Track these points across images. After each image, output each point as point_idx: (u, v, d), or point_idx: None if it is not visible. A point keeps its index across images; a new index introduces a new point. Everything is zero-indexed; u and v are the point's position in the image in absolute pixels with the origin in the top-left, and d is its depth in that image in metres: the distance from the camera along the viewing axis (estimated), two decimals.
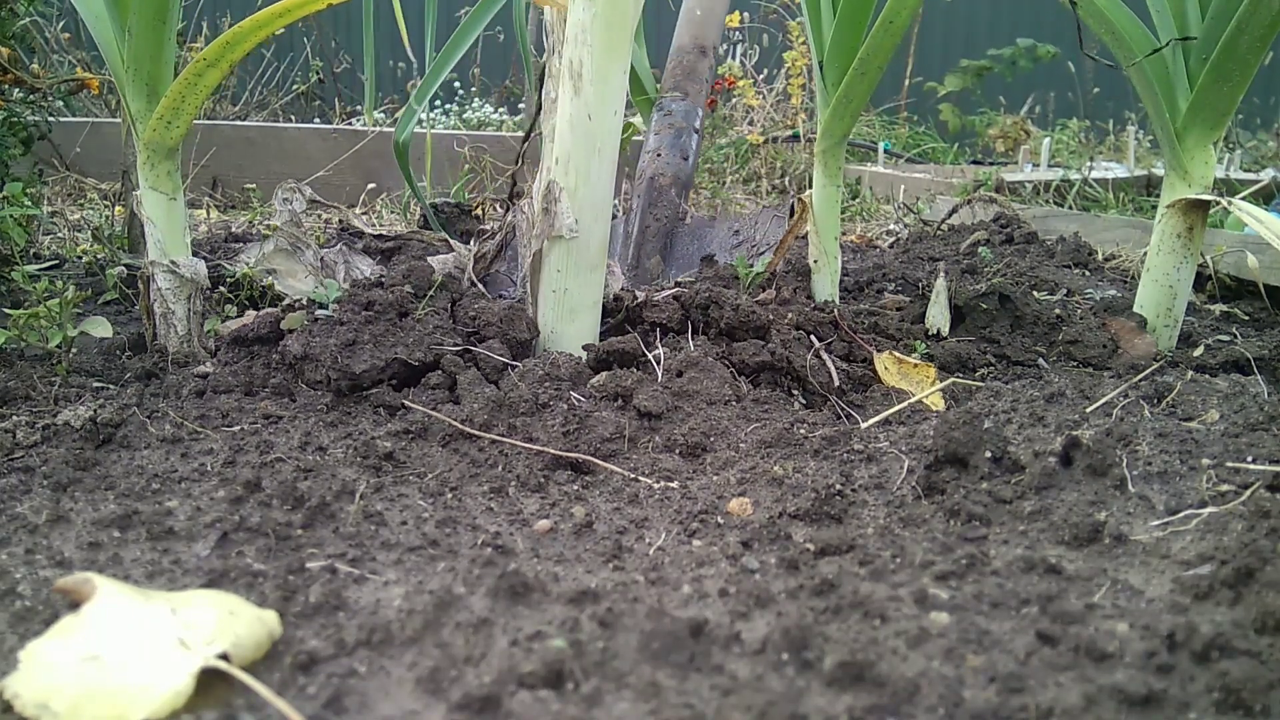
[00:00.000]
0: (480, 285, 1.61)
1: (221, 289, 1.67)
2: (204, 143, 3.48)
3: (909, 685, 0.68)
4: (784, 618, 0.77)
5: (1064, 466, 1.02)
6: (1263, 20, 1.32)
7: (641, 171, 2.18)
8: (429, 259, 1.61)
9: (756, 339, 1.44)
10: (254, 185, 3.13)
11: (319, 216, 2.90)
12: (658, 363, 1.34)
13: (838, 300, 1.76)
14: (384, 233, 1.99)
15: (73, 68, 4.21)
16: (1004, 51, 5.81)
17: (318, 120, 5.49)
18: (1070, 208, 3.42)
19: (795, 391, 1.40)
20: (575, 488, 1.08)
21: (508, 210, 1.77)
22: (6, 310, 1.42)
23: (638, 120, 2.94)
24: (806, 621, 0.75)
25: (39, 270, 2.03)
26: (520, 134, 2.24)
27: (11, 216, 1.63)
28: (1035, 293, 1.89)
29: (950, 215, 2.91)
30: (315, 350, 1.30)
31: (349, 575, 0.85)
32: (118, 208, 2.40)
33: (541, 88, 1.45)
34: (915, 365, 1.44)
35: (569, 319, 1.38)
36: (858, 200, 3.98)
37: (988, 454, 1.03)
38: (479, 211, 2.45)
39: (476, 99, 5.84)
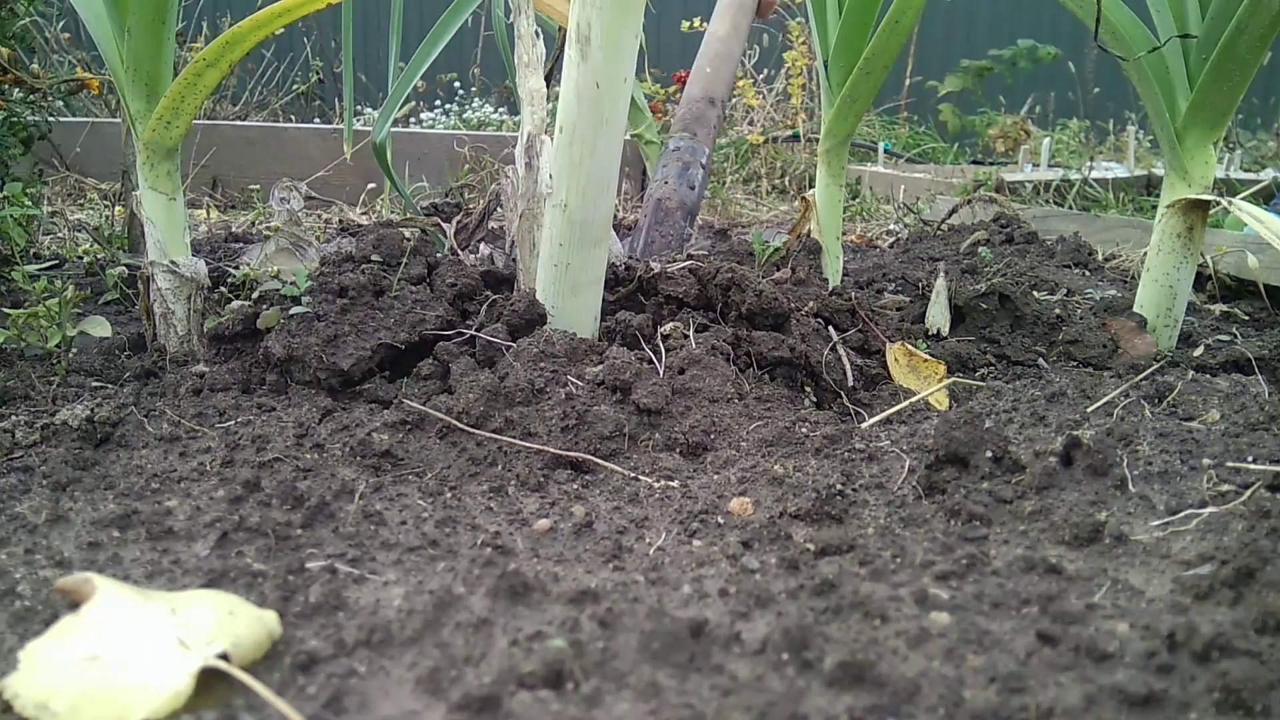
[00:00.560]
0: (461, 253, 1.59)
1: (222, 289, 1.67)
2: (204, 143, 3.48)
3: (909, 685, 0.68)
4: (784, 618, 0.77)
5: (1064, 466, 1.02)
6: (1263, 20, 1.32)
7: (650, 195, 2.27)
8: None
9: (776, 329, 1.42)
10: (256, 186, 3.13)
11: (319, 216, 2.90)
12: (659, 356, 1.32)
13: None
14: (389, 221, 1.99)
15: (73, 68, 4.21)
16: (1004, 52, 5.81)
17: (318, 120, 5.49)
18: (1070, 208, 3.42)
19: (808, 388, 1.39)
20: (575, 487, 1.07)
21: (448, 194, 1.77)
22: (6, 310, 1.42)
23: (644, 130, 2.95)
24: (806, 621, 0.75)
25: (39, 270, 2.03)
26: (513, 134, 2.25)
27: (11, 216, 1.63)
28: (1035, 293, 1.88)
29: (950, 215, 2.91)
30: (298, 351, 1.28)
31: (349, 575, 0.85)
32: (117, 208, 2.40)
33: (514, 50, 1.43)
34: (925, 360, 1.44)
35: (571, 294, 1.32)
36: (858, 200, 3.98)
37: (988, 454, 1.03)
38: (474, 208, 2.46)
39: (476, 99, 5.84)
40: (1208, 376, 1.38)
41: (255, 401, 1.26)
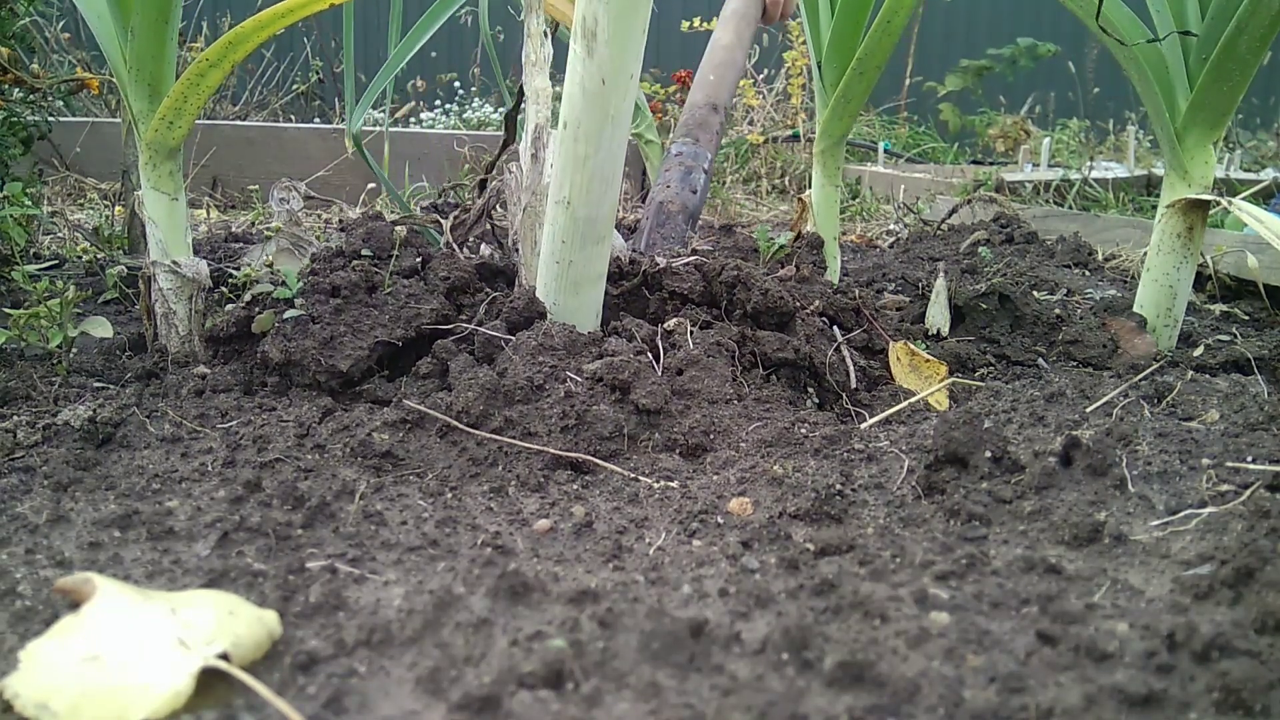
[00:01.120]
0: (456, 248, 1.59)
1: (223, 289, 1.67)
2: (204, 143, 3.48)
3: (909, 685, 0.68)
4: (784, 618, 0.77)
5: (1064, 466, 1.02)
6: (1263, 20, 1.32)
7: (652, 198, 2.28)
8: None
9: (780, 328, 1.41)
10: (256, 186, 3.14)
11: (319, 215, 2.90)
12: (658, 356, 1.31)
13: None
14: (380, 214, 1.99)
15: (73, 68, 4.21)
16: (1004, 51, 5.81)
17: (318, 120, 5.49)
18: (1070, 208, 3.42)
19: (810, 389, 1.39)
20: (575, 487, 1.08)
21: (483, 186, 1.76)
22: (7, 310, 1.42)
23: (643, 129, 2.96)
24: (806, 621, 0.75)
25: (39, 270, 2.03)
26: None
27: (11, 216, 1.63)
28: (1035, 293, 1.89)
29: (950, 215, 2.91)
30: (296, 354, 1.28)
31: (349, 575, 0.85)
32: (118, 208, 2.40)
33: (522, 49, 1.43)
34: (927, 360, 1.44)
35: (572, 292, 1.32)
36: (858, 200, 3.98)
37: (988, 454, 1.03)
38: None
39: (476, 99, 5.84)
40: (1207, 376, 1.38)
41: (256, 402, 1.26)
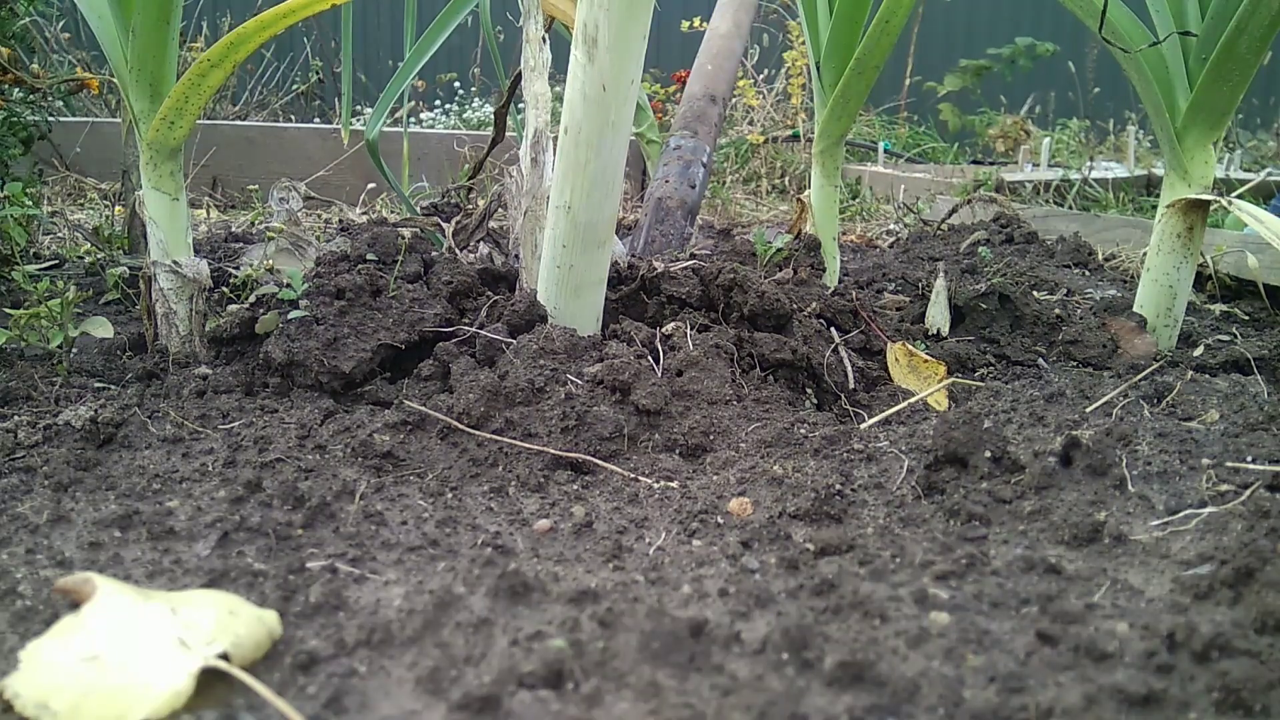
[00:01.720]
0: (459, 253, 1.60)
1: (223, 289, 1.67)
2: (204, 143, 3.48)
3: (909, 685, 0.68)
4: (784, 618, 0.77)
5: (1064, 466, 1.02)
6: (1262, 20, 1.32)
7: (650, 194, 2.27)
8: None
9: (778, 330, 1.42)
10: (256, 186, 3.14)
11: (319, 216, 2.90)
12: (658, 358, 1.32)
13: None
14: (384, 219, 1.99)
15: (73, 68, 4.22)
16: (1004, 50, 5.81)
17: (318, 120, 5.49)
18: (1070, 208, 3.42)
19: (809, 390, 1.39)
20: (575, 487, 1.08)
21: (468, 192, 1.76)
22: (7, 310, 1.42)
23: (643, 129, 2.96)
24: (806, 621, 0.75)
25: (39, 270, 2.03)
26: (515, 134, 2.25)
27: (11, 216, 1.63)
28: (1035, 293, 1.89)
29: (950, 215, 2.91)
30: (299, 355, 1.28)
31: (349, 575, 0.85)
32: (118, 208, 2.40)
33: (521, 56, 1.44)
34: (926, 361, 1.44)
35: (573, 296, 1.32)
36: (858, 200, 3.98)
37: (988, 454, 1.03)
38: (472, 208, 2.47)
39: (476, 99, 5.84)
40: (1207, 376, 1.38)
41: (258, 403, 1.26)
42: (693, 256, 1.64)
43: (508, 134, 2.15)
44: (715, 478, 1.10)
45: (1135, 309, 1.59)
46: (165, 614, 0.71)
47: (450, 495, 1.04)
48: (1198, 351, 1.52)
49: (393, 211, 3.22)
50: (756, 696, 0.66)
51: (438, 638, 0.74)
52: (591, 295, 1.34)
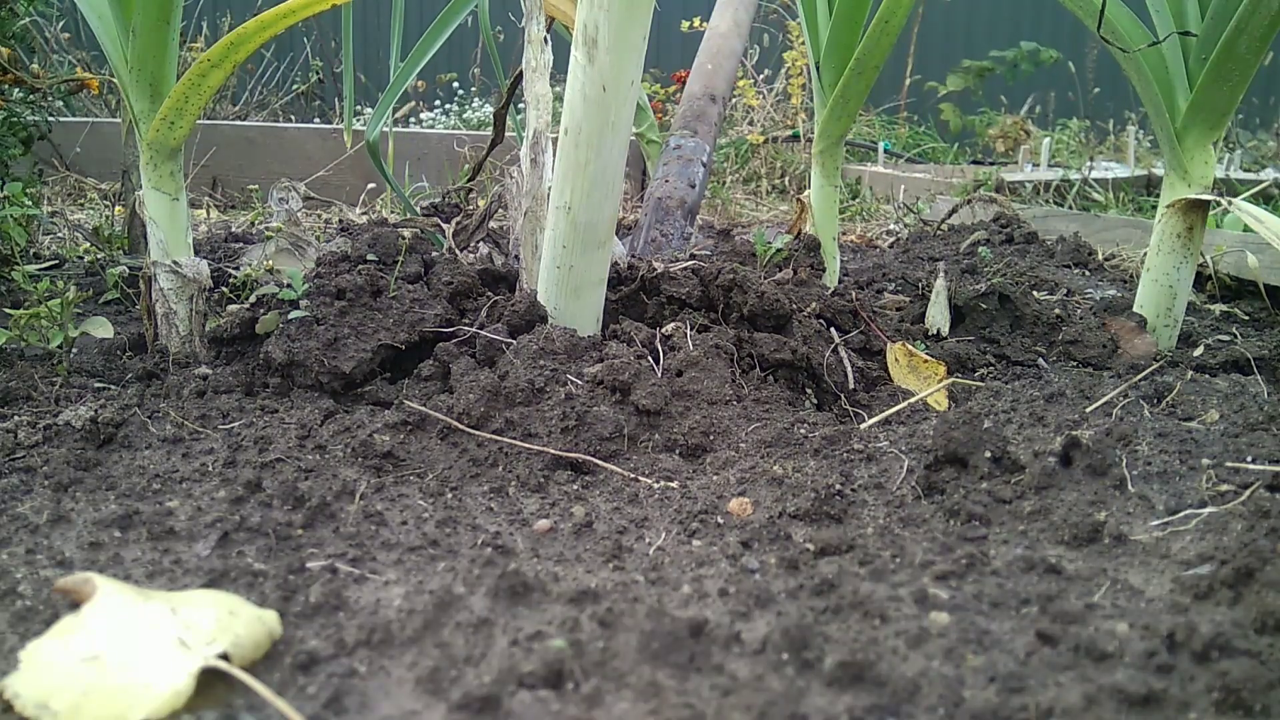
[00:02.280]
0: (459, 253, 1.60)
1: (223, 289, 1.67)
2: (204, 143, 3.48)
3: (909, 685, 0.68)
4: (784, 618, 0.77)
5: (1064, 466, 1.02)
6: (1262, 20, 1.32)
7: (650, 194, 2.27)
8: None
9: (777, 330, 1.42)
10: (256, 186, 3.14)
11: (319, 216, 2.90)
12: (658, 358, 1.32)
13: None
14: (384, 219, 1.99)
15: (73, 68, 4.22)
16: (1006, 54, 5.81)
17: (318, 120, 5.49)
18: (1070, 208, 3.42)
19: (809, 390, 1.39)
20: (575, 487, 1.08)
21: (468, 193, 1.76)
22: (7, 310, 1.42)
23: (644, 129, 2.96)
24: (806, 621, 0.75)
25: (39, 270, 2.03)
26: (515, 134, 2.25)
27: (11, 216, 1.63)
28: (1035, 293, 1.89)
29: (950, 215, 2.91)
30: (299, 355, 1.28)
31: (349, 575, 0.85)
32: (118, 208, 2.40)
33: (522, 57, 1.44)
34: (925, 361, 1.44)
35: (573, 296, 1.32)
36: (858, 200, 3.98)
37: (988, 454, 1.03)
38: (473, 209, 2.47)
39: (476, 99, 5.84)
40: (1207, 376, 1.38)
41: (258, 404, 1.26)
42: (692, 257, 1.64)
43: (508, 135, 2.15)
44: (715, 478, 1.10)
45: (1135, 309, 1.59)
46: (165, 614, 0.71)
47: (450, 495, 1.04)
48: (1198, 351, 1.52)
49: (393, 212, 3.22)
50: (756, 696, 0.66)
51: (438, 638, 0.74)
52: (591, 296, 1.34)
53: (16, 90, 2.12)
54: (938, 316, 1.64)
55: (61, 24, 4.78)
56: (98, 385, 1.33)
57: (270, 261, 1.66)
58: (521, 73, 1.45)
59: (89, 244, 2.13)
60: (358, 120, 4.52)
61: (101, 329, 1.34)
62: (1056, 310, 1.68)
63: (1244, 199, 1.46)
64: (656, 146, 3.27)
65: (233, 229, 2.59)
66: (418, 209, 2.02)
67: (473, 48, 6.12)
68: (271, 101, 5.33)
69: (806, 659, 0.71)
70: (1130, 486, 0.98)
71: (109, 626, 0.70)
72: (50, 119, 2.28)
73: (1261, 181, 3.47)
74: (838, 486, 1.03)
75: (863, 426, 1.25)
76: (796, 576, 0.85)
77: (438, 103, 5.95)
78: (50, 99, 2.36)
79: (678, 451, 1.17)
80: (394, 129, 3.42)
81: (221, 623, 0.71)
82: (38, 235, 2.30)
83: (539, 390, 1.19)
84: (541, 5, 1.36)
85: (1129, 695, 0.66)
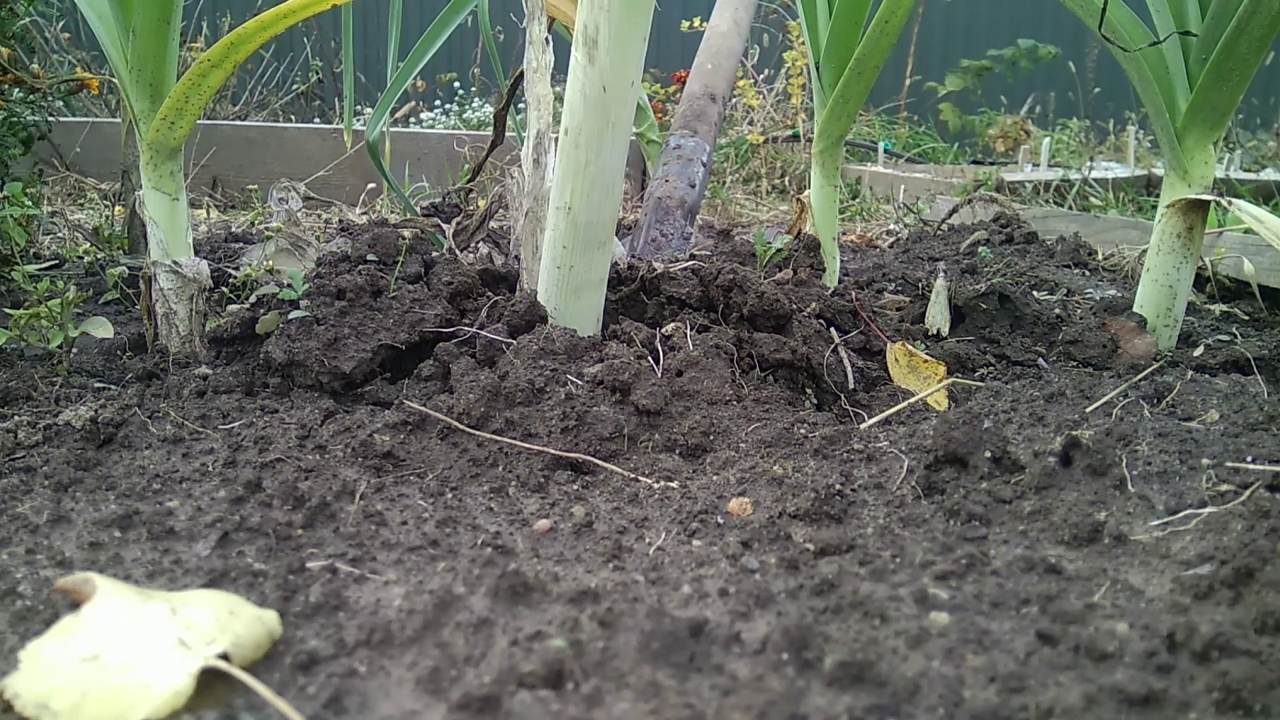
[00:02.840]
0: (459, 254, 1.60)
1: (223, 289, 1.67)
2: (204, 143, 3.48)
3: (909, 685, 0.68)
4: (784, 618, 0.77)
5: (1064, 466, 1.02)
6: (1263, 21, 1.32)
7: (650, 194, 2.27)
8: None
9: (777, 330, 1.42)
10: (256, 186, 3.14)
11: (319, 216, 2.90)
12: (658, 358, 1.32)
13: None
14: (385, 220, 1.99)
15: (73, 68, 4.22)
16: (1005, 52, 5.81)
17: (317, 120, 5.49)
18: (1070, 208, 3.42)
19: (809, 390, 1.39)
20: (575, 487, 1.08)
21: (468, 193, 1.76)
22: (7, 310, 1.42)
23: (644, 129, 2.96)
24: (806, 621, 0.75)
25: (39, 270, 2.03)
26: (515, 135, 2.25)
27: (11, 216, 1.63)
28: (1035, 293, 1.89)
29: (950, 215, 2.91)
30: (299, 355, 1.28)
31: (349, 575, 0.85)
32: (118, 208, 2.40)
33: (524, 58, 1.44)
34: (925, 361, 1.44)
35: (573, 296, 1.32)
36: (858, 200, 3.98)
37: (988, 454, 1.03)
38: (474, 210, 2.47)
39: (476, 99, 5.84)
40: (1207, 376, 1.38)
41: (258, 404, 1.26)
42: (692, 257, 1.64)
43: (508, 135, 2.15)
44: (715, 478, 1.10)
45: (1135, 309, 1.59)
46: (165, 614, 0.71)
47: (450, 495, 1.04)
48: (1198, 351, 1.52)
49: (393, 212, 3.22)
50: (756, 696, 0.66)
51: (438, 638, 0.74)
52: (592, 296, 1.34)
53: (16, 90, 2.12)
54: (938, 316, 1.64)
55: (61, 24, 4.78)
56: (98, 385, 1.33)
57: (270, 261, 1.66)
58: (522, 73, 1.45)
59: (89, 244, 2.13)
60: (358, 120, 4.52)
61: (101, 329, 1.34)
62: (1056, 310, 1.68)
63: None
64: (656, 146, 3.28)
65: (233, 229, 2.59)
66: (418, 209, 2.02)
67: (473, 48, 6.13)
68: (271, 101, 5.34)
69: (806, 659, 0.71)
70: (1130, 486, 0.98)
71: (109, 626, 0.70)
72: (50, 119, 2.28)
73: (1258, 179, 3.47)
74: (838, 486, 1.03)
75: (863, 426, 1.25)
76: (796, 576, 0.85)
77: (438, 103, 5.95)
78: (50, 99, 2.35)
79: (678, 451, 1.17)
80: (392, 129, 3.42)
81: (221, 623, 0.71)
82: (38, 235, 2.30)
83: (539, 390, 1.19)
84: (543, 6, 1.36)
85: (1129, 695, 0.66)
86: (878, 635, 0.74)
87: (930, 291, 1.69)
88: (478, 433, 1.15)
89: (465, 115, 5.50)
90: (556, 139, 1.39)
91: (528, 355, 1.23)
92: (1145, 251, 1.65)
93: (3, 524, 0.92)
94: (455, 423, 1.16)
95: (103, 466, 1.07)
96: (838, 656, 0.69)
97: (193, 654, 0.67)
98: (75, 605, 0.73)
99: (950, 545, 0.90)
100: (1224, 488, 0.97)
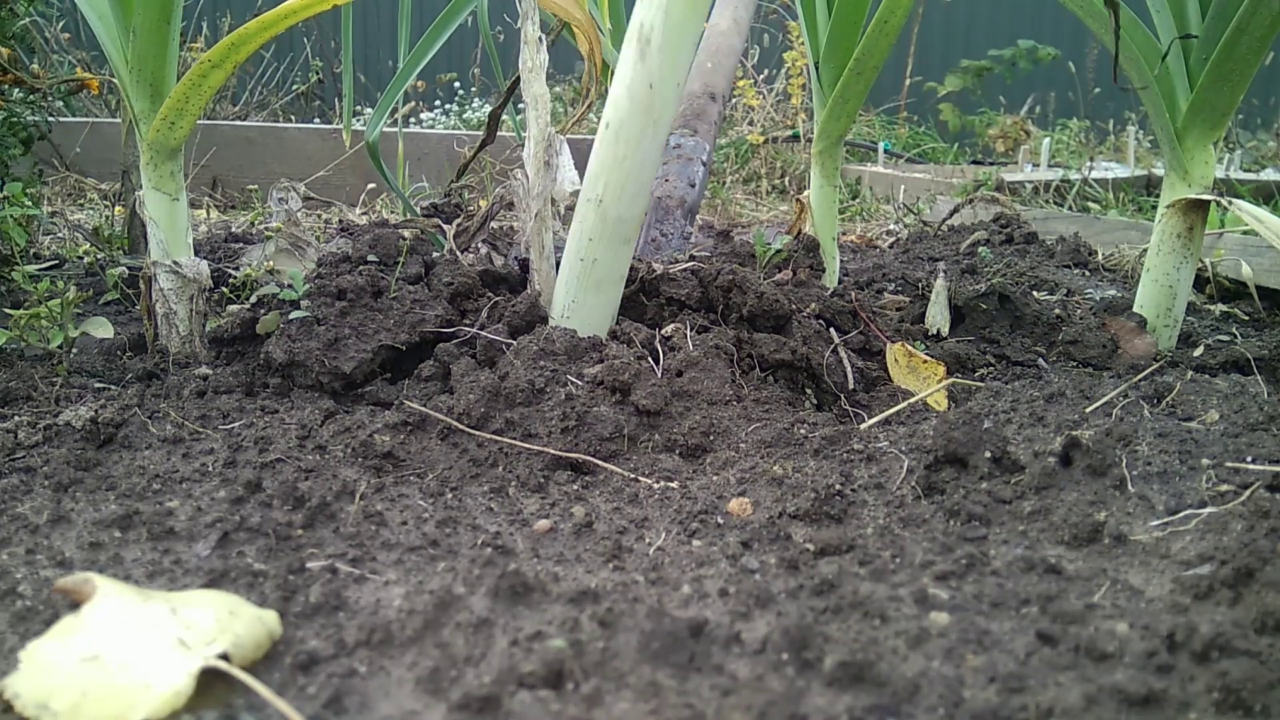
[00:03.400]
0: (460, 254, 1.60)
1: (223, 289, 1.67)
2: (204, 143, 3.48)
3: (909, 685, 0.68)
4: (784, 618, 0.77)
5: (1064, 466, 1.02)
6: (1263, 21, 1.33)
7: (650, 193, 2.27)
8: None
9: (777, 330, 1.42)
10: (256, 186, 3.14)
11: (319, 216, 2.90)
12: (658, 359, 1.32)
13: None
14: (385, 220, 1.99)
15: (73, 68, 4.22)
16: (1004, 52, 5.81)
17: (317, 120, 5.49)
18: (1070, 208, 3.42)
19: (809, 390, 1.39)
20: (575, 488, 1.08)
21: (448, 195, 1.76)
22: (7, 310, 1.42)
23: None
24: (806, 621, 0.75)
25: (39, 270, 2.03)
26: (514, 135, 2.26)
27: (11, 216, 1.63)
28: (1035, 293, 1.89)
29: (950, 215, 2.91)
30: (300, 355, 1.28)
31: (349, 575, 0.85)
32: (118, 208, 2.40)
33: (519, 58, 1.44)
34: (925, 361, 1.44)
35: (594, 290, 1.31)
36: (858, 200, 3.98)
37: (987, 454, 1.03)
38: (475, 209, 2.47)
39: (476, 99, 5.84)
40: (1207, 376, 1.38)
41: (259, 404, 1.26)
42: (692, 258, 1.64)
43: (508, 136, 2.15)
44: (715, 478, 1.10)
45: (1135, 309, 1.59)
46: (165, 614, 0.71)
47: (450, 495, 1.04)
48: (1198, 351, 1.52)
49: (393, 212, 3.22)
50: (756, 696, 0.66)
51: (438, 638, 0.74)
52: (611, 292, 1.34)
53: (16, 90, 2.12)
54: (938, 317, 1.64)
55: (61, 24, 4.78)
56: (98, 385, 1.33)
57: (270, 262, 1.66)
58: (520, 75, 1.45)
59: (89, 244, 2.13)
60: (357, 120, 4.52)
61: (101, 329, 1.34)
62: (1056, 310, 1.68)
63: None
64: None
65: (233, 229, 2.59)
66: (418, 209, 2.02)
67: (473, 48, 6.13)
68: (271, 101, 5.34)
69: (806, 659, 0.71)
70: (1130, 486, 0.98)
71: (109, 627, 0.70)
72: (50, 119, 2.28)
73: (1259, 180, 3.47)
74: (838, 486, 1.03)
75: (863, 427, 1.25)
76: (796, 576, 0.85)
77: (438, 103, 5.95)
78: (50, 99, 2.36)
79: (678, 452, 1.17)
80: (390, 129, 3.42)
81: (221, 623, 0.71)
82: (38, 235, 2.30)
83: (539, 391, 1.19)
84: (537, 5, 1.36)
85: (1129, 695, 0.66)
86: (878, 635, 0.74)
87: (930, 292, 1.69)
88: (478, 433, 1.15)
89: (465, 115, 5.50)
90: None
91: (528, 356, 1.23)
92: (1145, 252, 1.65)
93: (3, 524, 0.92)
94: (455, 423, 1.16)
95: (103, 466, 1.07)
96: (838, 656, 0.69)
97: (193, 654, 0.67)
98: (75, 605, 0.73)
99: (950, 545, 0.90)
100: (1224, 488, 0.97)
